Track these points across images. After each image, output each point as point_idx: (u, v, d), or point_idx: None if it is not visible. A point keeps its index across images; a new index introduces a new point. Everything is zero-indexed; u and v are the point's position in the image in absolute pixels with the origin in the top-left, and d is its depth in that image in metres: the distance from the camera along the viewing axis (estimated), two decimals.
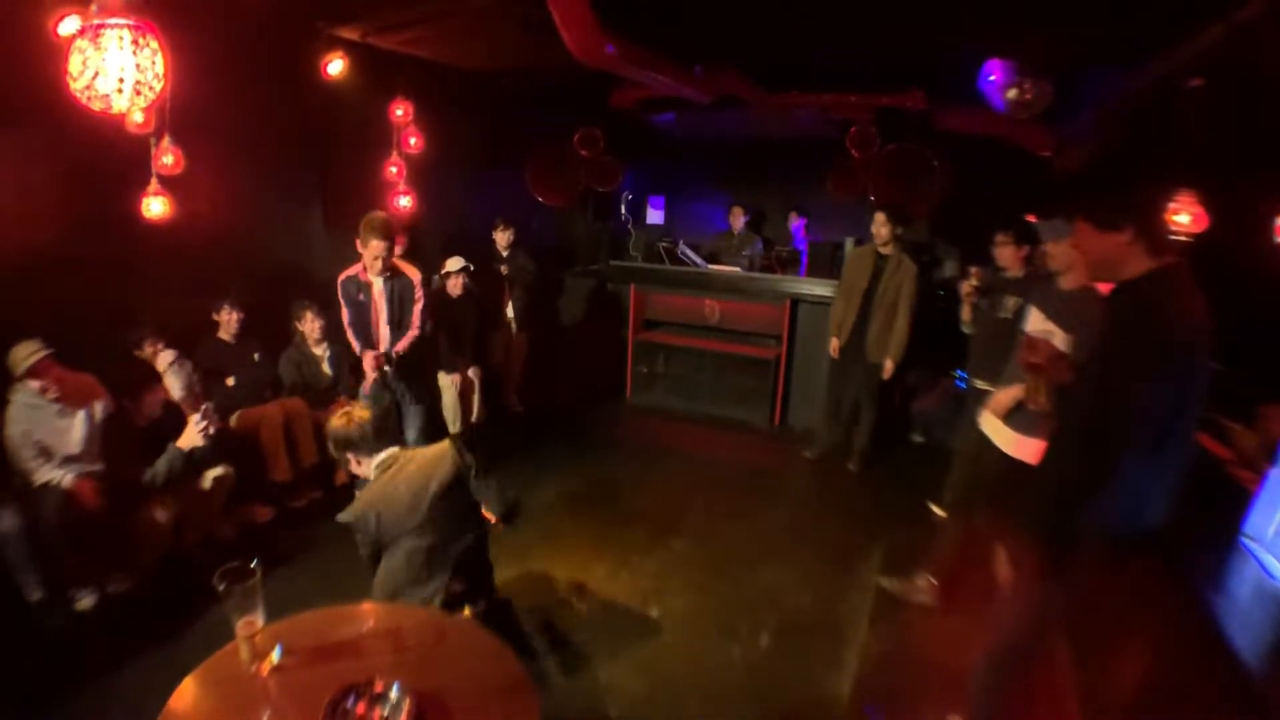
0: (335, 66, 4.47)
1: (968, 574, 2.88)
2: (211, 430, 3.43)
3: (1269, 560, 2.72)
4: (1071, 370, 2.50)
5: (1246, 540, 2.87)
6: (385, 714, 1.69)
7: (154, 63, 1.99)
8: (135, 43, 1.96)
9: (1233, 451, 3.45)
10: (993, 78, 4.33)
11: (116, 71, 1.95)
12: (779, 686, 3.16)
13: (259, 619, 1.88)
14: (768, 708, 3.05)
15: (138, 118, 3.60)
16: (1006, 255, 4.18)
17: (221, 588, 1.83)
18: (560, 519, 4.52)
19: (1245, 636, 2.30)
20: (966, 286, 4.41)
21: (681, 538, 4.39)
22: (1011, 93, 4.25)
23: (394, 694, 1.72)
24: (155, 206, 3.71)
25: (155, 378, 3.75)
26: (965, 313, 4.39)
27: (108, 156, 3.75)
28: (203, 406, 3.46)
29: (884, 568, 4.00)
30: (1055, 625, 2.21)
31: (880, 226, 5.11)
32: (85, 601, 3.38)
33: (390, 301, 4.53)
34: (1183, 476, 1.95)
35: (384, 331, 4.55)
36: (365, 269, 4.39)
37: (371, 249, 4.24)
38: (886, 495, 5.12)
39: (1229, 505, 3.04)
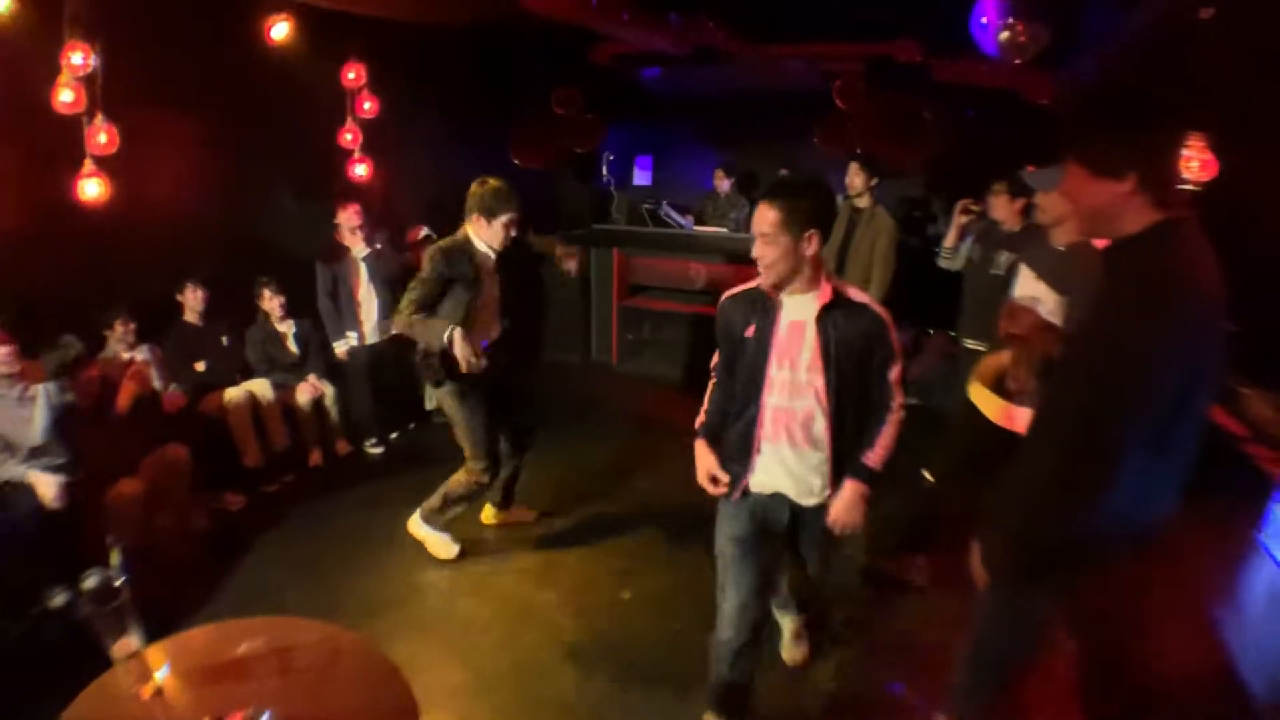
0: (280, 30, 4.23)
1: (962, 553, 2.63)
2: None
3: None
4: (1060, 343, 2.27)
5: (1264, 539, 2.52)
6: None
7: None
8: None
9: (1246, 424, 3.14)
10: (984, 20, 4.06)
11: None
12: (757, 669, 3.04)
13: (135, 640, 1.75)
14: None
15: (67, 96, 3.39)
16: (1001, 207, 3.97)
17: (86, 610, 1.69)
18: (538, 494, 4.37)
19: (1256, 653, 2.08)
20: (963, 205, 4.19)
21: (659, 515, 4.25)
22: (1004, 35, 3.98)
23: None
24: (91, 189, 3.53)
25: (88, 356, 3.62)
26: (950, 238, 4.18)
27: (43, 138, 3.58)
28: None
29: (872, 544, 3.82)
30: (1045, 633, 2.01)
31: (854, 176, 4.84)
32: (58, 599, 3.28)
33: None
34: (1192, 466, 1.67)
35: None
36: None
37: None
38: None
39: (1243, 491, 2.70)
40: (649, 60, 6.16)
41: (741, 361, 2.27)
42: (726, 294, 2.35)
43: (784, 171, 5.04)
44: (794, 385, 2.20)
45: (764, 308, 2.21)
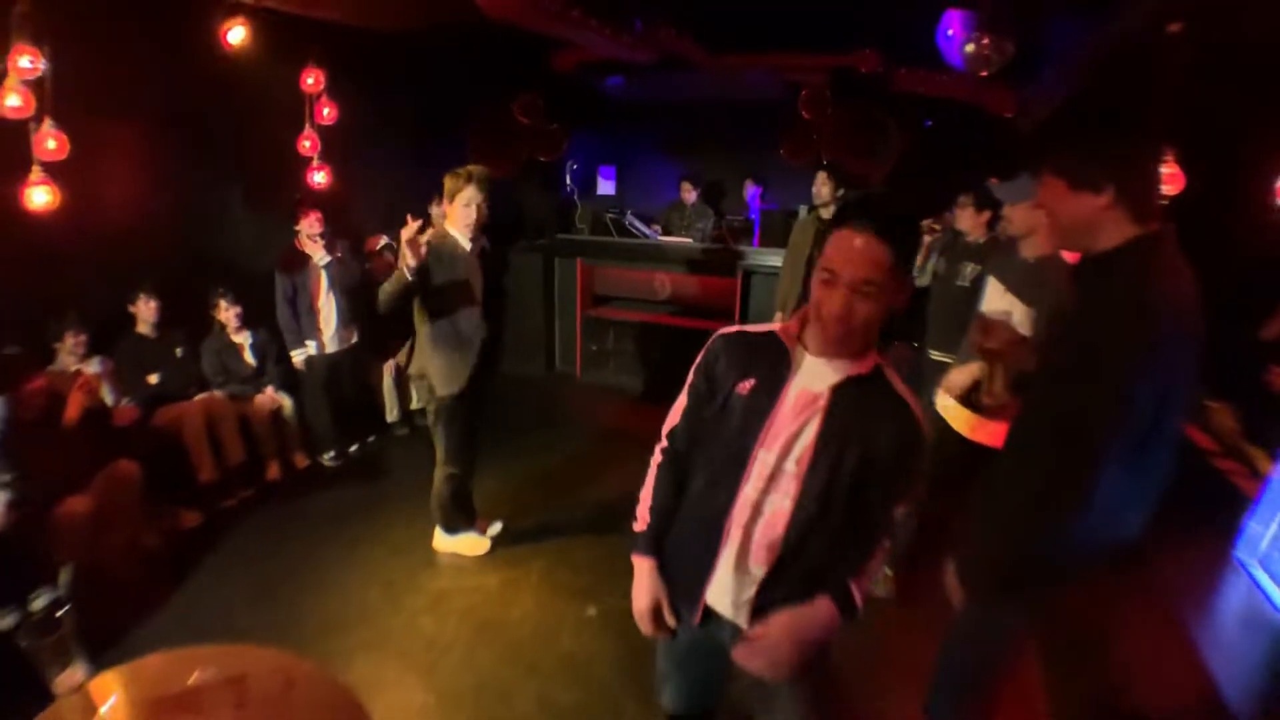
0: (236, 34, 4.14)
1: (928, 567, 2.61)
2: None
3: (1267, 583, 2.35)
4: (1033, 356, 2.29)
5: (1239, 555, 2.52)
6: None
7: None
8: None
9: (1213, 438, 3.20)
10: (950, 32, 4.10)
11: None
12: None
13: (79, 671, 1.70)
14: None
15: (13, 101, 3.29)
16: (967, 219, 4.03)
17: (25, 644, 1.63)
18: (498, 507, 4.33)
19: (1231, 668, 2.10)
20: (927, 224, 4.26)
21: (624, 528, 4.16)
22: (969, 47, 4.02)
23: None
24: (39, 196, 3.43)
25: (33, 367, 3.51)
26: (919, 258, 4.23)
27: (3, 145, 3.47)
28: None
29: None
30: (1018, 646, 2.02)
31: (821, 185, 4.87)
32: (5, 621, 3.16)
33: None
34: (1166, 482, 1.68)
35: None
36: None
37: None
38: None
39: (1212, 506, 2.73)
40: (612, 68, 6.14)
41: (723, 427, 1.68)
42: (726, 330, 1.78)
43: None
44: (775, 475, 1.61)
45: (774, 361, 1.64)
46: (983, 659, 2.00)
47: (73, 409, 3.46)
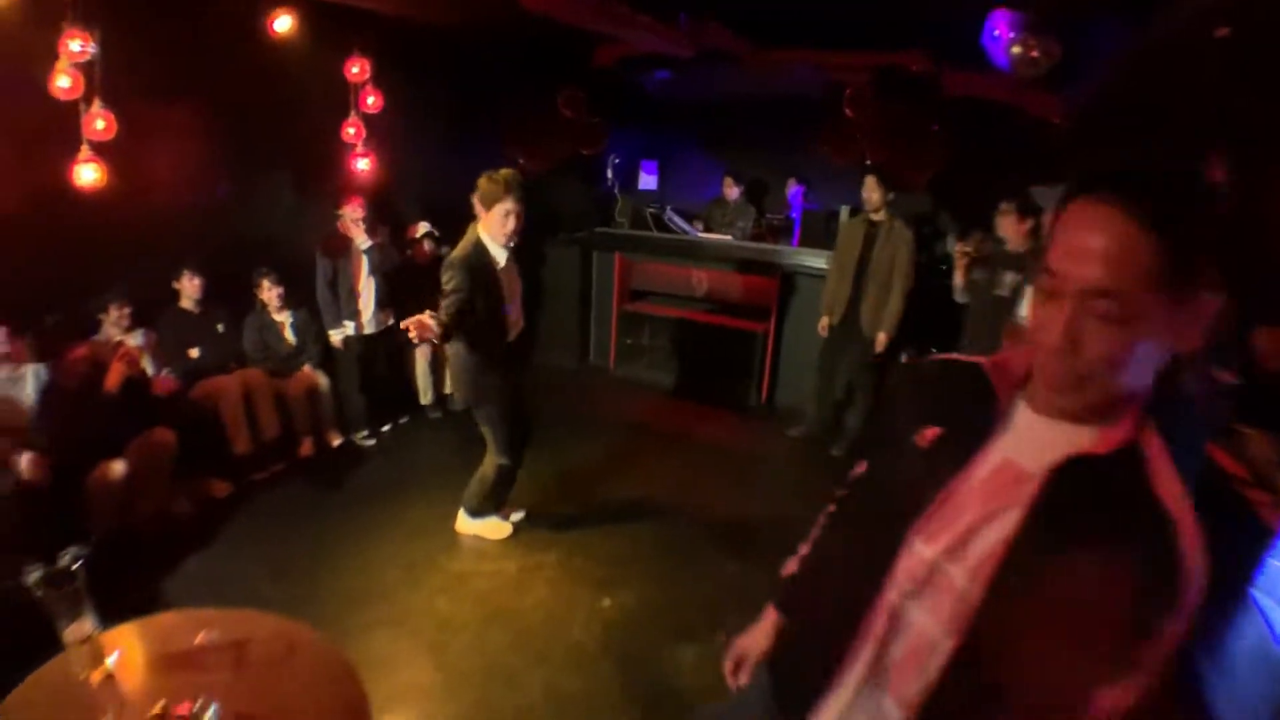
0: (282, 23, 4.24)
1: None
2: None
3: None
4: None
5: (1256, 592, 2.33)
6: None
7: None
8: None
9: (1245, 465, 3.06)
10: (997, 32, 4.01)
11: None
12: (724, 694, 3.00)
13: (88, 624, 1.77)
14: None
15: (64, 83, 3.41)
16: (1008, 226, 3.95)
17: (39, 594, 1.70)
18: (522, 494, 4.29)
19: (1236, 713, 2.00)
20: (960, 249, 4.18)
21: (647, 523, 4.24)
22: (1016, 49, 3.93)
23: (210, 717, 1.66)
24: (87, 174, 3.56)
25: (76, 336, 3.63)
26: (958, 277, 4.15)
27: (40, 124, 3.60)
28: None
29: None
30: None
31: (871, 191, 4.84)
32: (34, 576, 3.29)
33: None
34: None
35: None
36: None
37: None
38: None
39: (1235, 537, 2.55)
40: (656, 63, 6.13)
41: (884, 490, 1.21)
42: (917, 359, 1.38)
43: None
44: (931, 578, 1.06)
45: (972, 407, 1.09)
46: None
47: (113, 377, 3.58)
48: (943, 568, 1.05)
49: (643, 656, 3.16)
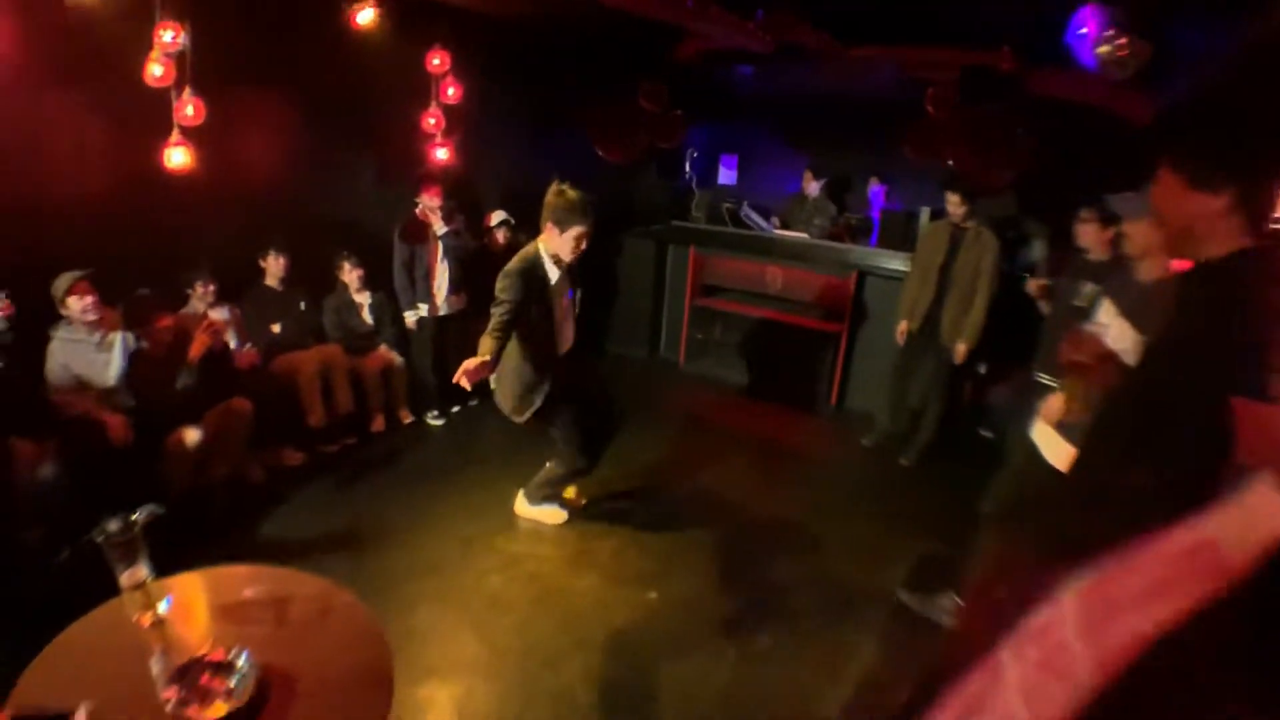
0: (365, 16, 4.37)
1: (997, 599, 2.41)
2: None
3: None
4: (1120, 374, 2.08)
5: None
6: (231, 685, 1.70)
7: None
8: None
9: None
10: (1083, 30, 3.80)
11: None
12: (761, 694, 2.95)
13: (143, 570, 1.87)
14: (743, 715, 2.86)
15: (156, 71, 3.63)
16: (1090, 235, 3.74)
17: (100, 539, 1.82)
18: (582, 482, 4.29)
19: None
20: (1035, 286, 4.04)
21: (702, 520, 4.22)
22: (1104, 48, 3.71)
23: (242, 665, 1.74)
24: (177, 157, 3.79)
25: (164, 309, 3.84)
26: (1046, 307, 4.01)
27: (135, 110, 3.82)
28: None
29: (909, 579, 3.68)
30: None
31: (955, 208, 4.68)
32: (113, 526, 3.52)
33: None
34: None
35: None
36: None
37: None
38: (935, 496, 4.69)
39: None
40: (737, 58, 6.07)
41: None
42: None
43: None
44: None
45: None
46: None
47: (196, 348, 3.78)
48: None
49: (683, 651, 3.14)
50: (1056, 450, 2.65)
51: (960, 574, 3.37)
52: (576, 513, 4.16)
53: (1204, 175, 1.44)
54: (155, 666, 1.70)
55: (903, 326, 5.01)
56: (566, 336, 3.74)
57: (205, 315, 4.11)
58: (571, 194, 3.43)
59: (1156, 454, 1.42)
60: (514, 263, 3.47)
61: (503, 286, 3.38)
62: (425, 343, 5.23)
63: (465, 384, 3.07)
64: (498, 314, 3.35)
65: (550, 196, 3.44)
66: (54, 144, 3.79)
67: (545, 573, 3.67)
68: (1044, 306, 4.02)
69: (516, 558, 3.77)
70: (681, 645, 3.17)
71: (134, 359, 3.68)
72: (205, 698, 1.67)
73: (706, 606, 3.46)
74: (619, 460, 4.80)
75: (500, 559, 3.75)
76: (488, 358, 3.18)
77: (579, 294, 3.77)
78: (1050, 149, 5.34)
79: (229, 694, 1.68)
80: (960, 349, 4.74)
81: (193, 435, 3.66)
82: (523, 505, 4.10)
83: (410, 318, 5.18)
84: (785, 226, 7.01)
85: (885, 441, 5.35)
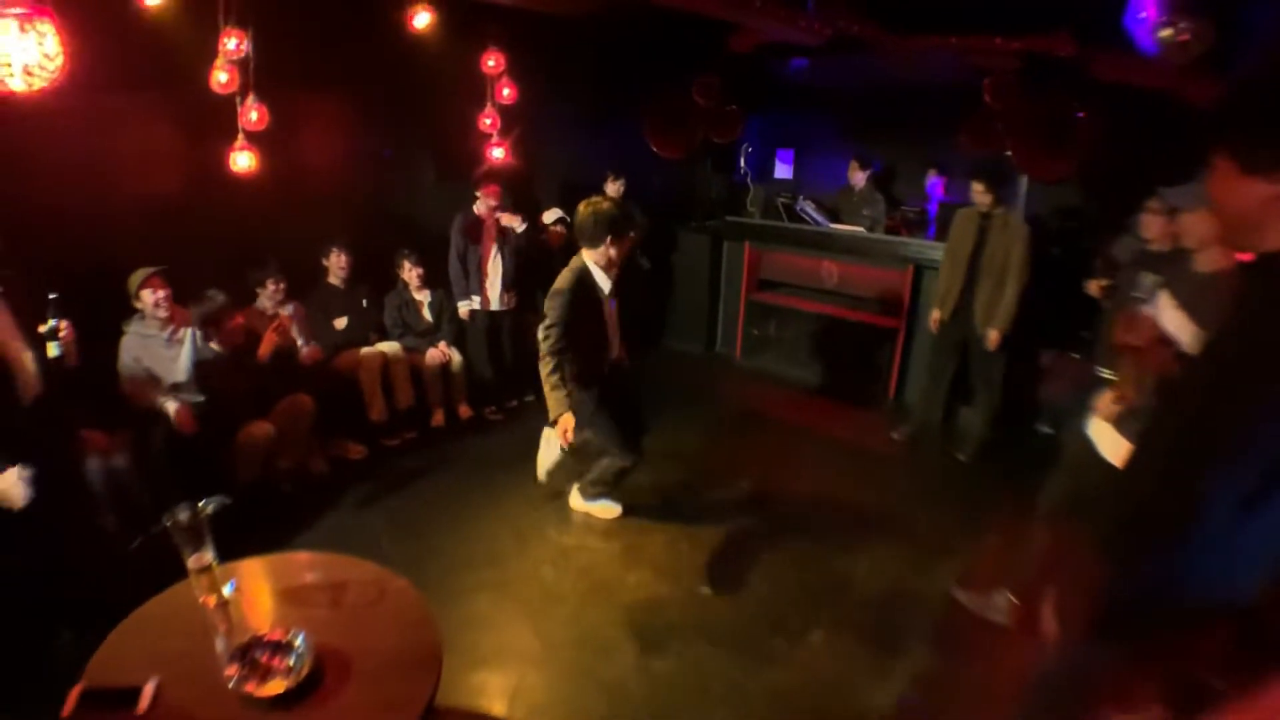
0: (421, 19, 4.47)
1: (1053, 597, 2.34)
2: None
3: None
4: (1178, 362, 2.01)
5: None
6: (290, 664, 1.79)
7: (43, 45, 2.13)
8: (22, 29, 2.08)
9: None
10: (1143, 14, 3.64)
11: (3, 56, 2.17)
12: (812, 690, 2.93)
13: (208, 554, 1.97)
14: (792, 711, 2.85)
15: (222, 78, 3.79)
16: (1155, 226, 3.63)
17: (169, 524, 1.91)
18: (636, 475, 4.26)
19: None
20: (1093, 287, 3.93)
21: (755, 514, 4.20)
22: (1165, 32, 3.55)
23: (300, 645, 1.83)
24: (242, 160, 3.94)
25: (234, 308, 4.00)
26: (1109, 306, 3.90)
27: (201, 115, 3.99)
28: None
29: (965, 576, 3.58)
30: (1110, 696, 1.76)
31: (980, 196, 4.62)
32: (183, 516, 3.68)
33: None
34: None
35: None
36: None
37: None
38: (992, 492, 4.56)
39: None
40: (792, 51, 5.99)
41: None
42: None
43: None
44: None
45: None
46: (1063, 705, 1.78)
47: (265, 346, 3.93)
48: None
49: (735, 646, 3.13)
50: (1109, 443, 2.59)
51: (1016, 572, 3.30)
52: (631, 507, 4.18)
53: (1257, 160, 1.35)
54: (219, 645, 1.79)
55: (935, 314, 4.94)
56: (614, 344, 3.77)
57: (274, 313, 4.26)
58: (604, 206, 3.48)
59: (1216, 454, 1.36)
60: (561, 280, 3.50)
61: (550, 307, 3.43)
62: (480, 335, 5.34)
63: (564, 441, 3.38)
64: (547, 344, 3.40)
65: (582, 211, 3.50)
66: (126, 149, 3.98)
67: (598, 565, 3.71)
68: (1106, 306, 3.91)
69: (570, 550, 3.83)
70: (733, 640, 3.17)
71: (205, 356, 3.84)
72: (265, 675, 1.76)
73: (759, 601, 3.46)
74: (673, 455, 4.83)
75: (554, 551, 3.81)
76: (566, 413, 3.36)
77: (617, 303, 3.77)
78: (1116, 137, 5.13)
79: (287, 672, 1.77)
80: (993, 335, 4.65)
81: (266, 429, 3.83)
82: (577, 500, 4.15)
83: (464, 307, 5.30)
84: (837, 220, 6.90)
85: (918, 435, 5.27)
